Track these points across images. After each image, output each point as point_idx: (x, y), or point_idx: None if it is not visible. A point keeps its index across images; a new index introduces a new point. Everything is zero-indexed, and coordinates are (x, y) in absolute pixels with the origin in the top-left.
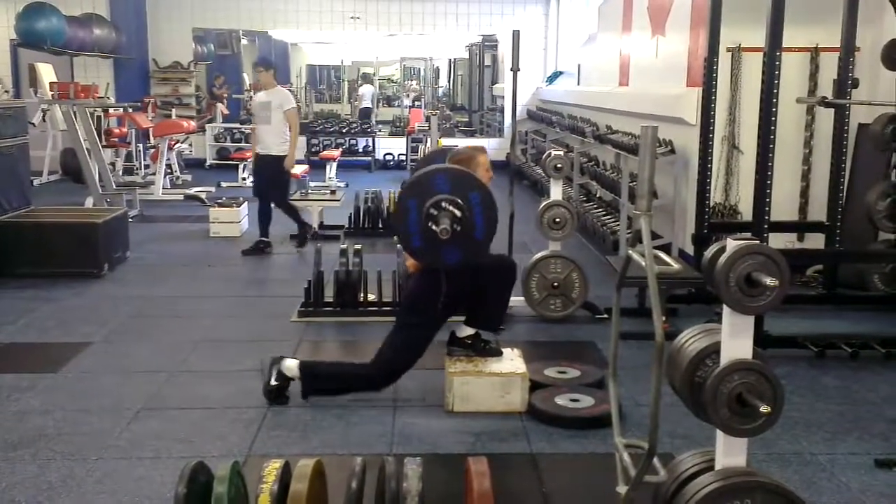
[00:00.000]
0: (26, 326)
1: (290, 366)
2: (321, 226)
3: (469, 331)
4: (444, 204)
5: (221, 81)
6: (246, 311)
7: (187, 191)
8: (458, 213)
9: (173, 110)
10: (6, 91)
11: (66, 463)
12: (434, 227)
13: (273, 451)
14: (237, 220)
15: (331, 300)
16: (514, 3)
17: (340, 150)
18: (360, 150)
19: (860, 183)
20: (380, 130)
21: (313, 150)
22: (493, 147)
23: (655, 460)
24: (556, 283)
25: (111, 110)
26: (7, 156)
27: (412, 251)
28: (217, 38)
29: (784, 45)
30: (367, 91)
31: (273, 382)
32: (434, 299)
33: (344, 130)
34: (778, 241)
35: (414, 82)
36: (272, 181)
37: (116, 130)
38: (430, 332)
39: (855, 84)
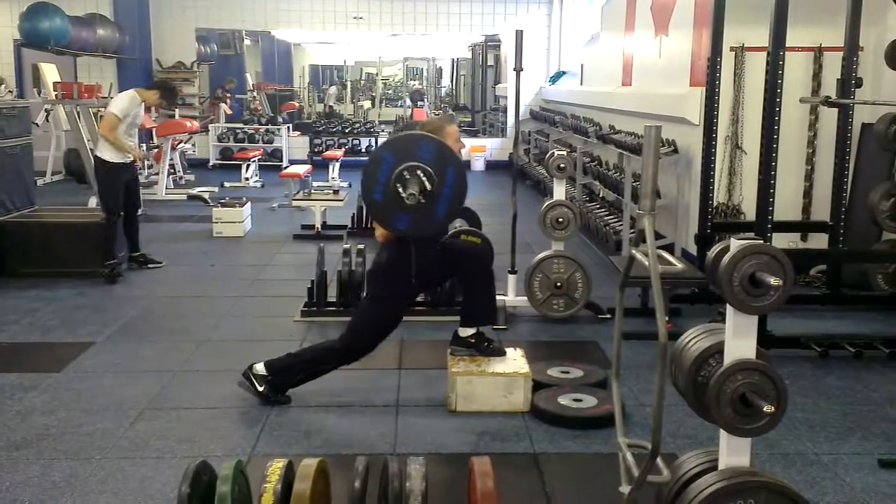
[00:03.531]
0: (30, 326)
1: (260, 369)
2: (324, 225)
3: (471, 330)
4: (419, 172)
5: (234, 86)
6: (249, 310)
7: (190, 191)
8: (428, 186)
9: (176, 110)
10: (10, 91)
11: (69, 462)
12: (400, 189)
13: (276, 450)
14: (240, 220)
15: (334, 300)
16: (518, 3)
17: (343, 150)
18: (363, 150)
19: (864, 183)
20: (383, 130)
21: (316, 150)
22: (496, 147)
23: (658, 460)
24: (559, 283)
25: None
26: (11, 156)
27: (370, 202)
28: (220, 38)
29: (788, 44)
30: (332, 91)
31: (261, 389)
32: (405, 271)
33: (346, 130)
34: (781, 240)
35: (417, 82)
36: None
37: None
38: (399, 306)
39: (858, 84)
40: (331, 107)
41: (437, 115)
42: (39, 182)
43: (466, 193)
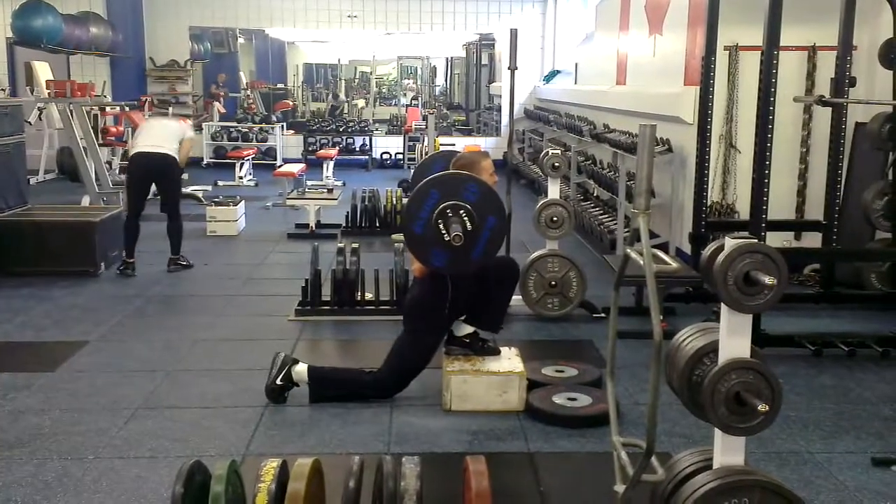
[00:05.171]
0: (23, 325)
1: (300, 371)
2: (318, 224)
3: (467, 329)
4: (461, 212)
5: (224, 79)
6: (243, 309)
7: (184, 189)
8: (469, 226)
9: (170, 109)
10: (2, 89)
11: (62, 462)
12: (441, 226)
13: (270, 450)
14: (234, 219)
15: (328, 299)
16: (512, 2)
17: (337, 148)
18: (358, 149)
19: (857, 182)
20: (377, 129)
21: (310, 148)
22: (491, 146)
23: (653, 459)
24: (553, 282)
25: (108, 109)
26: (3, 154)
27: (409, 234)
28: (214, 36)
29: (781, 43)
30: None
31: (278, 382)
32: (440, 305)
33: (341, 129)
34: (775, 239)
35: (411, 81)
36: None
37: (113, 129)
38: (437, 338)
39: (852, 83)
40: (334, 105)
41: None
42: (32, 181)
43: (504, 239)
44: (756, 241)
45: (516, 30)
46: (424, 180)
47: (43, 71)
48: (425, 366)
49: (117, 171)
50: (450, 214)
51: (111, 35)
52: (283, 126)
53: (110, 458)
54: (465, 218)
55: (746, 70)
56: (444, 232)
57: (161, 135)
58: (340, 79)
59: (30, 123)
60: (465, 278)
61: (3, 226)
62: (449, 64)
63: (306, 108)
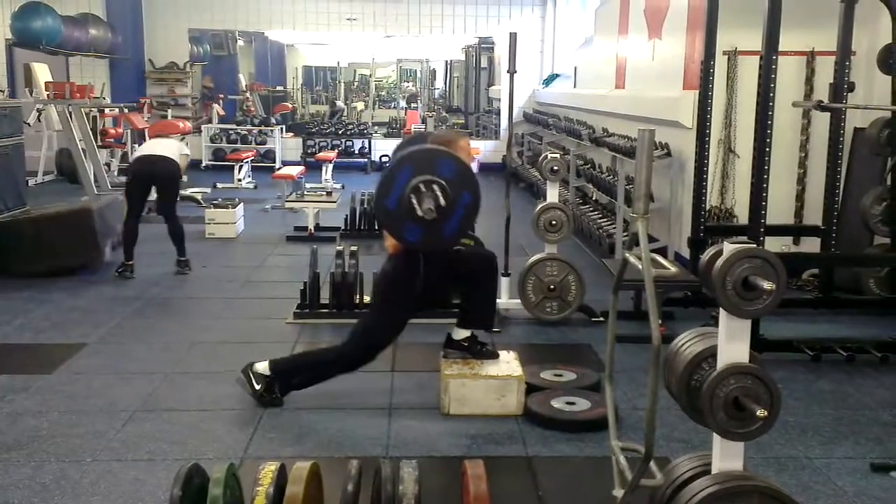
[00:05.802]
0: (21, 327)
1: (262, 367)
2: (317, 227)
3: (465, 333)
4: (435, 187)
5: (209, 80)
6: (241, 312)
7: (183, 192)
8: (442, 203)
9: (169, 111)
10: (1, 91)
11: (60, 464)
12: (414, 201)
13: (269, 453)
14: (233, 222)
15: (326, 302)
16: (511, 6)
17: (336, 151)
18: (357, 152)
19: (856, 187)
20: (376, 132)
21: (309, 151)
22: (490, 149)
23: (652, 464)
24: (552, 286)
25: (107, 110)
26: (2, 155)
27: (382, 210)
28: (213, 38)
29: (780, 48)
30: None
31: (257, 388)
32: (411, 280)
33: (340, 132)
34: (774, 244)
35: (410, 84)
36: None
37: (112, 131)
38: (405, 314)
39: (851, 88)
40: (333, 109)
41: (438, 123)
42: (31, 182)
43: (477, 216)
44: (755, 245)
45: (516, 33)
46: (399, 155)
47: (42, 72)
48: (391, 342)
49: (116, 173)
50: (423, 189)
51: (110, 37)
52: (282, 128)
53: (108, 461)
54: (440, 193)
55: (745, 74)
56: (416, 207)
57: (162, 144)
58: (340, 81)
59: (29, 125)
60: (438, 253)
61: (2, 227)
62: (448, 67)
63: (305, 111)
